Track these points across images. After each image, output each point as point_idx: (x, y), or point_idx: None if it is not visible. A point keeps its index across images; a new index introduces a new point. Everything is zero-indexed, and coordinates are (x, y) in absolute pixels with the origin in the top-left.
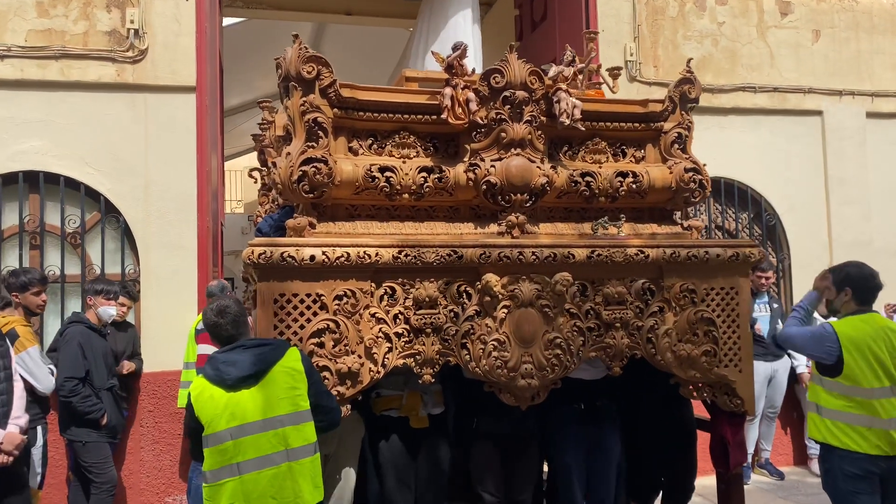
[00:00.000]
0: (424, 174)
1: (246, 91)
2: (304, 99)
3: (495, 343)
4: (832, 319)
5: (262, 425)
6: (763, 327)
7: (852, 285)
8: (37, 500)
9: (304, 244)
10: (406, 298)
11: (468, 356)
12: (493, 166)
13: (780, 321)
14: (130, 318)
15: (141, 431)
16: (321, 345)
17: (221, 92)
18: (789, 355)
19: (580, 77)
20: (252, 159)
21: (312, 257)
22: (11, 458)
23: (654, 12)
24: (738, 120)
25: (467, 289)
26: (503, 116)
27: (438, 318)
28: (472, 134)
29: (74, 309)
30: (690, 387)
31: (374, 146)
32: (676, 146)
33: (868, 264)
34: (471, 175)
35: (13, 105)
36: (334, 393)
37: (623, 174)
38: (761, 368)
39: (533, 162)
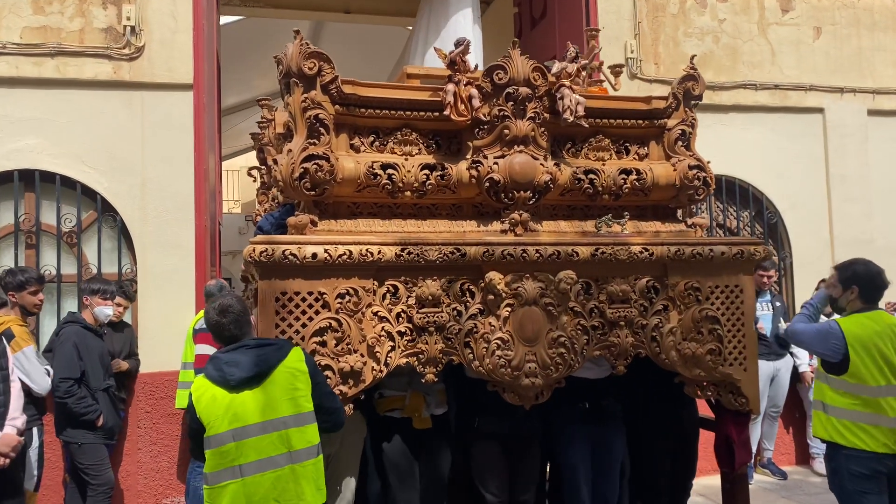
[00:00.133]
0: (427, 171)
1: (243, 90)
2: (306, 95)
3: (499, 342)
4: (836, 316)
5: (264, 427)
6: (765, 326)
7: (859, 283)
8: (33, 503)
9: (306, 242)
10: (409, 297)
11: (471, 355)
12: (495, 163)
13: (782, 320)
14: (127, 319)
15: (138, 433)
16: (323, 343)
17: (219, 90)
18: (792, 354)
19: (583, 74)
20: (249, 159)
21: (314, 255)
22: (8, 461)
23: (655, 9)
24: (739, 117)
25: (470, 287)
26: (506, 113)
27: (441, 317)
28: (475, 131)
29: (70, 309)
30: (695, 386)
31: (376, 143)
32: (680, 143)
33: (874, 262)
34: (473, 172)
35: (8, 103)
36: (336, 392)
37: (626, 171)
38: (764, 367)
39: (536, 159)
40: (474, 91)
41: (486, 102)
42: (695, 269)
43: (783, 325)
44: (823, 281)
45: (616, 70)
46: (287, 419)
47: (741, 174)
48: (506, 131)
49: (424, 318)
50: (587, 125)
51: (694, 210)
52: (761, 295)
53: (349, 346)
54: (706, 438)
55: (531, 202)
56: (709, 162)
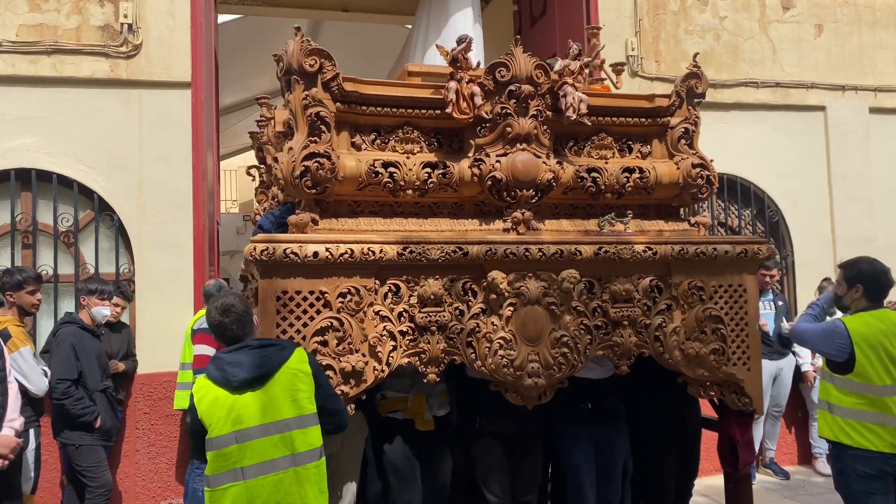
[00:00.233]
0: (428, 170)
1: (240, 90)
2: (307, 93)
3: (501, 341)
4: (839, 315)
5: (267, 429)
6: (768, 323)
7: (863, 282)
8: None
9: (308, 240)
10: (411, 296)
11: (474, 355)
12: (498, 161)
13: (784, 319)
14: (125, 319)
15: (136, 434)
16: (324, 343)
17: (217, 88)
18: (794, 353)
19: (586, 71)
20: (247, 159)
21: (316, 254)
22: (6, 462)
23: (656, 7)
24: (741, 115)
25: (473, 286)
26: (508, 111)
27: (443, 316)
28: (477, 129)
29: (68, 309)
30: (698, 386)
31: (378, 141)
32: (683, 141)
33: (880, 261)
34: (475, 170)
35: (4, 101)
36: (338, 392)
37: (629, 170)
38: (766, 367)
39: (539, 157)
40: (476, 88)
41: (489, 100)
42: (698, 268)
43: (786, 325)
44: (826, 280)
45: (618, 68)
46: (290, 421)
47: (742, 172)
48: (508, 129)
49: (426, 317)
50: (590, 123)
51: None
52: (764, 294)
53: (351, 346)
54: (708, 438)
55: (533, 201)
56: (712, 160)
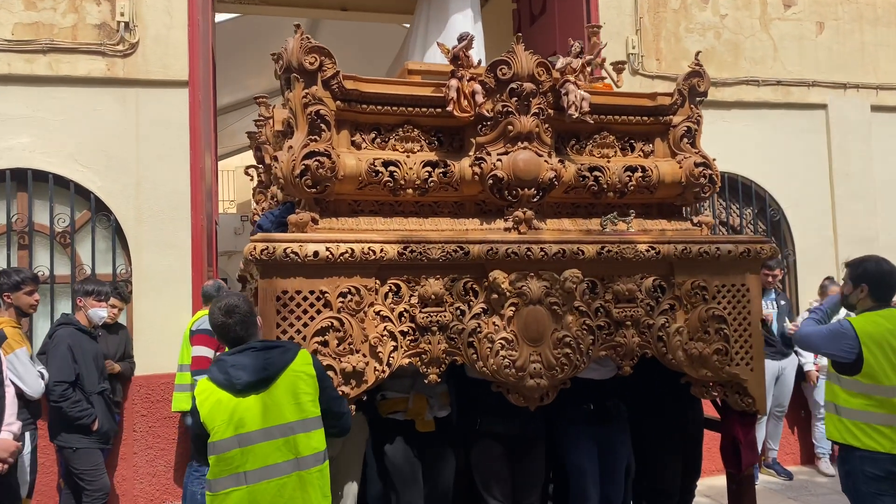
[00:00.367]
0: (429, 168)
1: (238, 90)
2: (307, 91)
3: (503, 342)
4: (842, 314)
5: (271, 432)
6: (772, 315)
7: (869, 281)
8: None
9: (308, 240)
10: (411, 296)
11: (475, 355)
12: (499, 160)
13: (787, 319)
14: (122, 320)
15: (134, 436)
16: (325, 343)
17: (214, 87)
18: (797, 353)
19: (588, 69)
20: (244, 159)
21: (316, 253)
22: (6, 466)
23: (656, 4)
24: (742, 114)
25: (474, 286)
26: (510, 109)
27: (444, 316)
28: (478, 127)
29: (64, 311)
30: (701, 386)
31: (378, 140)
32: (686, 140)
33: (888, 260)
34: (476, 169)
35: (0, 101)
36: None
37: (632, 169)
38: (768, 367)
39: (540, 156)
40: (477, 87)
41: (490, 98)
42: (701, 267)
43: (789, 325)
44: (828, 278)
45: (618, 67)
46: (294, 424)
47: (744, 171)
48: (509, 127)
49: (427, 317)
50: (592, 121)
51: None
52: (766, 294)
53: (351, 346)
54: (711, 438)
55: (535, 200)
56: (714, 159)
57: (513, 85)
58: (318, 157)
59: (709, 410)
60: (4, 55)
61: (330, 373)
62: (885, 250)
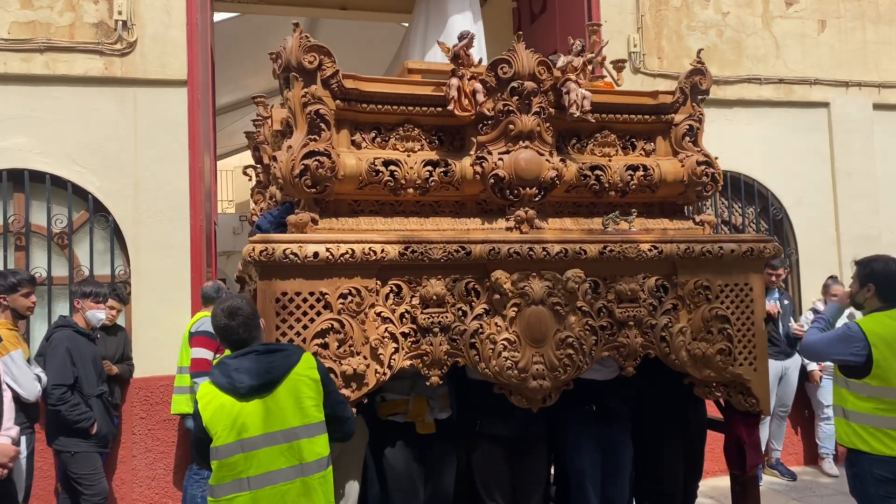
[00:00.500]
0: (430, 168)
1: (236, 90)
2: (306, 90)
3: (505, 343)
4: (844, 319)
5: (275, 438)
6: (777, 307)
7: (875, 281)
8: None
9: (307, 241)
10: (412, 297)
11: (477, 356)
12: (500, 159)
13: (791, 319)
14: (121, 322)
15: (133, 440)
16: (325, 346)
17: (213, 86)
18: (799, 353)
19: (589, 68)
20: (243, 159)
21: (316, 254)
22: (6, 472)
23: (658, 2)
24: (744, 112)
25: (476, 286)
26: (511, 108)
27: (446, 317)
28: (479, 126)
29: (62, 312)
30: (705, 387)
31: (378, 139)
32: (687, 139)
33: None
34: (478, 168)
35: None
36: None
37: (633, 167)
38: (772, 367)
39: (542, 155)
40: (478, 85)
41: (491, 97)
42: (704, 267)
43: (794, 325)
44: (831, 277)
45: (618, 65)
46: (298, 430)
47: (746, 170)
48: (511, 126)
49: (429, 318)
50: (593, 120)
51: (701, 207)
52: (770, 293)
53: (352, 349)
54: (713, 439)
55: (537, 199)
56: (716, 158)
57: (514, 84)
58: (317, 157)
59: (712, 411)
60: (1, 54)
61: (331, 375)
62: (887, 249)
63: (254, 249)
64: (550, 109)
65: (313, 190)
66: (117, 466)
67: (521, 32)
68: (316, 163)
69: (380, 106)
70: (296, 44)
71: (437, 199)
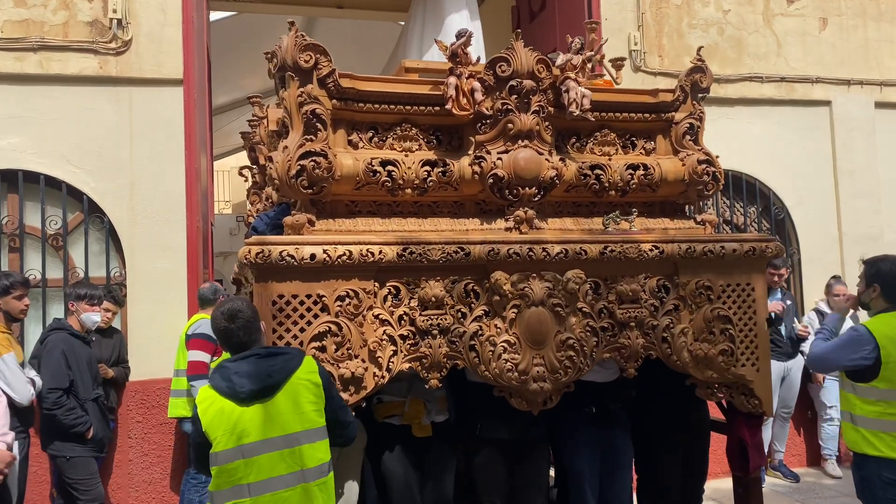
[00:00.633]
0: (428, 168)
1: (233, 89)
2: (302, 90)
3: (505, 345)
4: (847, 324)
5: (275, 443)
6: (782, 305)
7: (881, 282)
8: None
9: (304, 242)
10: (411, 298)
11: (477, 359)
12: (499, 159)
13: (795, 319)
14: (116, 324)
15: (129, 443)
16: (323, 349)
17: (210, 86)
18: (802, 353)
19: (588, 66)
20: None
21: (313, 256)
22: (2, 478)
23: (659, 0)
24: (745, 111)
25: (475, 288)
26: (510, 107)
27: (445, 319)
28: (478, 125)
29: (56, 315)
30: (707, 388)
31: (375, 139)
32: (688, 137)
33: None
34: (476, 168)
35: None
36: None
37: (634, 167)
38: (774, 367)
39: (541, 154)
40: (476, 84)
41: (489, 96)
42: (706, 267)
43: (798, 326)
44: (834, 277)
45: (617, 63)
46: (299, 435)
47: (748, 169)
48: (509, 125)
49: (428, 320)
50: (593, 119)
51: (702, 206)
52: (772, 293)
53: (350, 352)
54: (715, 440)
55: (536, 199)
56: (717, 156)
57: (512, 82)
58: (314, 158)
59: (714, 412)
60: None
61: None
62: (889, 248)
63: (250, 251)
64: (550, 108)
65: (310, 191)
66: (113, 471)
67: (519, 30)
68: (312, 163)
69: (377, 105)
70: (291, 43)
71: (435, 200)
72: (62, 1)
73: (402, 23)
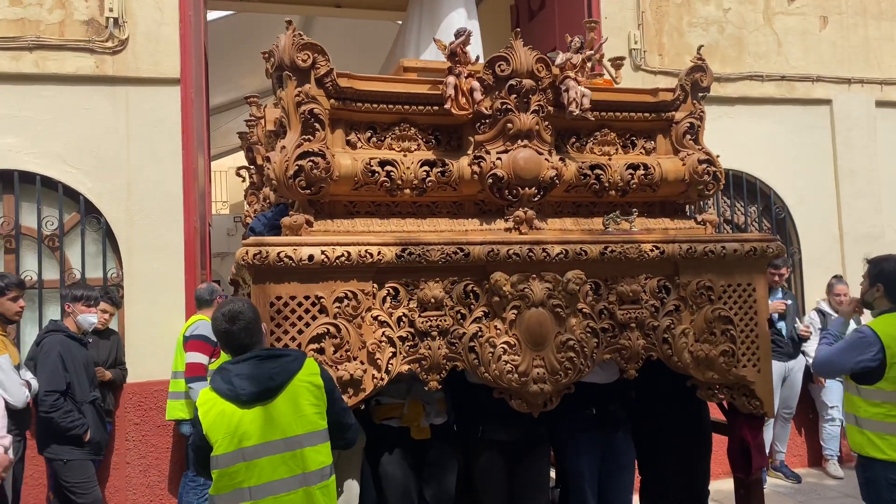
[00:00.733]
0: (426, 168)
1: (230, 89)
2: (300, 89)
3: (505, 346)
4: (851, 328)
5: (278, 446)
6: (788, 304)
7: (884, 282)
8: None
9: (302, 243)
10: (410, 300)
11: (476, 360)
12: (499, 159)
13: (797, 319)
14: (114, 325)
15: (126, 446)
16: (321, 351)
17: (207, 85)
18: (804, 353)
19: (588, 65)
20: (237, 159)
21: (311, 257)
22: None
23: None
24: (746, 110)
25: (474, 289)
26: (509, 106)
27: (444, 321)
28: (477, 125)
29: (53, 317)
30: (708, 389)
31: (374, 139)
32: (688, 137)
33: None
34: (475, 168)
35: None
36: None
37: (634, 166)
38: (775, 368)
39: (541, 154)
40: (476, 83)
41: (488, 95)
42: (707, 267)
43: (801, 326)
44: (835, 277)
45: (617, 63)
46: (301, 438)
47: (748, 168)
48: (509, 125)
49: (427, 321)
50: (593, 118)
51: (702, 206)
52: (773, 293)
53: (348, 353)
54: (717, 442)
55: (536, 199)
56: (718, 156)
57: (512, 82)
58: (312, 158)
59: (715, 413)
60: None
61: None
62: (891, 247)
63: (247, 253)
64: (549, 108)
65: (308, 191)
66: (110, 474)
67: (518, 29)
68: (310, 163)
69: (375, 105)
70: (289, 42)
71: (434, 200)
72: (58, 0)
73: (400, 22)
